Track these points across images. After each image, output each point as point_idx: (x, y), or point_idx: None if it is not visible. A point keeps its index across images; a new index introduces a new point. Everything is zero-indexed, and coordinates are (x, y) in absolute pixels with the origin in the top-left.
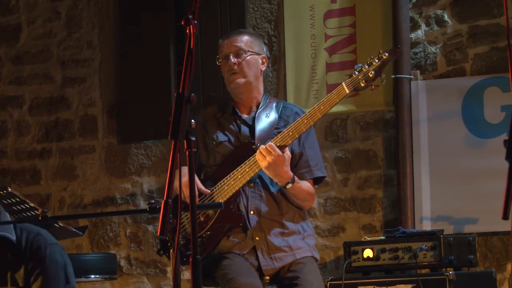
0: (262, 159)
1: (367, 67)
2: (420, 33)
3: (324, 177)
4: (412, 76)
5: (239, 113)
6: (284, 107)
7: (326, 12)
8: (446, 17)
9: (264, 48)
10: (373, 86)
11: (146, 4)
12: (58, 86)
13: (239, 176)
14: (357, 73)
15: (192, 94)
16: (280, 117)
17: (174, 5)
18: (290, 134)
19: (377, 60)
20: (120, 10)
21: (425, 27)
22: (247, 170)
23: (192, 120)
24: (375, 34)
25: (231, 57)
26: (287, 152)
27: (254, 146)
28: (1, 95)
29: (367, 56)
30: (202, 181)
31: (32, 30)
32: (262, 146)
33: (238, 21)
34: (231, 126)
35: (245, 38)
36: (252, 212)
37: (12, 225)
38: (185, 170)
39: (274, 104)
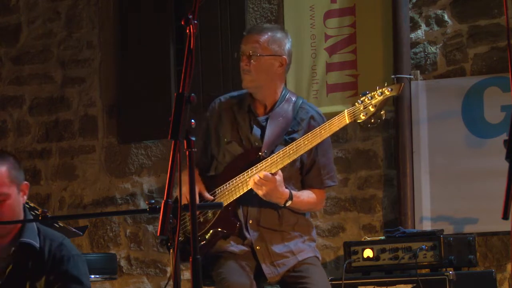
0: (258, 188)
1: (370, 98)
2: (420, 33)
3: (334, 185)
4: (412, 76)
5: (254, 112)
6: (301, 108)
7: (326, 12)
8: (446, 17)
9: (288, 45)
10: (372, 120)
11: (146, 4)
12: (58, 86)
13: (239, 184)
14: (360, 102)
15: (192, 94)
16: (295, 118)
17: (174, 5)
18: (290, 152)
19: (380, 94)
20: (120, 10)
21: (425, 27)
22: (247, 180)
23: (192, 120)
24: (375, 34)
25: (244, 58)
26: (279, 173)
27: (261, 153)
28: (1, 95)
29: (367, 56)
30: (212, 177)
31: (32, 30)
32: (256, 177)
33: (238, 21)
34: (244, 125)
35: (265, 38)
36: (250, 222)
37: (36, 232)
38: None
39: (292, 102)
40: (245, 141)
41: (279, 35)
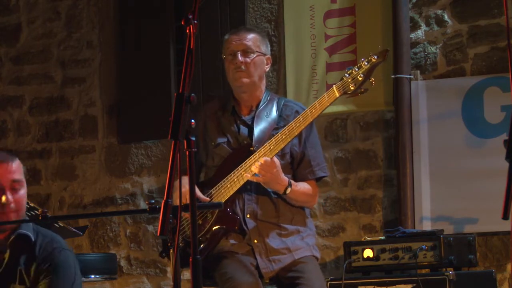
0: (260, 173)
1: (357, 69)
2: (420, 33)
3: (326, 176)
4: (412, 76)
5: (239, 114)
6: (284, 105)
7: (326, 12)
8: (446, 17)
9: (269, 48)
10: (362, 89)
11: (146, 4)
12: (58, 86)
13: (235, 179)
14: (347, 75)
15: (192, 94)
16: (280, 115)
17: (174, 5)
18: (284, 137)
19: (366, 63)
20: (120, 10)
21: (425, 27)
22: (243, 173)
23: (192, 120)
24: (375, 34)
25: (239, 55)
26: (276, 160)
27: (252, 148)
28: (1, 95)
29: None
30: (202, 183)
31: (32, 30)
32: (257, 163)
33: (238, 21)
34: (230, 127)
35: (254, 37)
36: (248, 216)
37: (31, 228)
38: (185, 180)
39: (275, 101)
40: (233, 141)
41: (263, 36)
